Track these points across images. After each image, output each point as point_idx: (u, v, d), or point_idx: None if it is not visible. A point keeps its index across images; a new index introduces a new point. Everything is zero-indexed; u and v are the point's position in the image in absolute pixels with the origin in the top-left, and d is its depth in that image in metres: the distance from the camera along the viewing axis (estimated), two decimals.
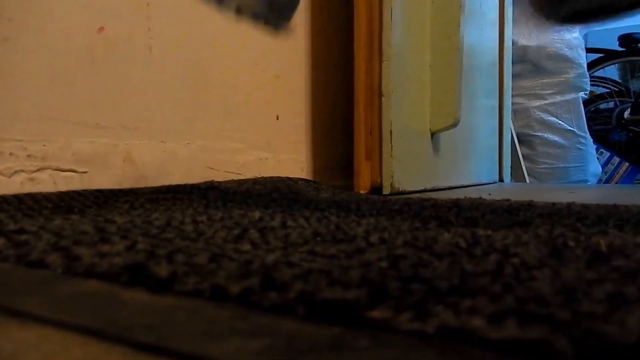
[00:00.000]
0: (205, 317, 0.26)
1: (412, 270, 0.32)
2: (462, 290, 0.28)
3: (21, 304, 0.28)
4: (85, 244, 0.38)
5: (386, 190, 1.10)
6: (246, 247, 0.39)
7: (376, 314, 0.25)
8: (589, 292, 0.25)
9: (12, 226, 0.45)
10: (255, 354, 0.22)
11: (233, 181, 0.94)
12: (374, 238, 0.42)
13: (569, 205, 0.69)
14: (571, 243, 0.41)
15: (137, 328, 0.24)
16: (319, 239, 0.43)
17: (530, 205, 0.68)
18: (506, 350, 0.21)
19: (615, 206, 0.66)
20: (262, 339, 0.23)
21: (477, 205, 0.67)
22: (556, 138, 2.09)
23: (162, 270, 0.31)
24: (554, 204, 0.71)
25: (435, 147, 1.30)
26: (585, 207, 0.65)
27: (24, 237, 0.41)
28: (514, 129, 2.02)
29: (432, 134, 1.28)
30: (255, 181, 0.94)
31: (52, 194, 0.65)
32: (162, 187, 0.81)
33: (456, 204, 0.69)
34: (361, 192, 1.14)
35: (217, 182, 0.90)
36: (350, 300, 0.26)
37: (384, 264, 0.33)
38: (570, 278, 0.29)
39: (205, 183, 0.87)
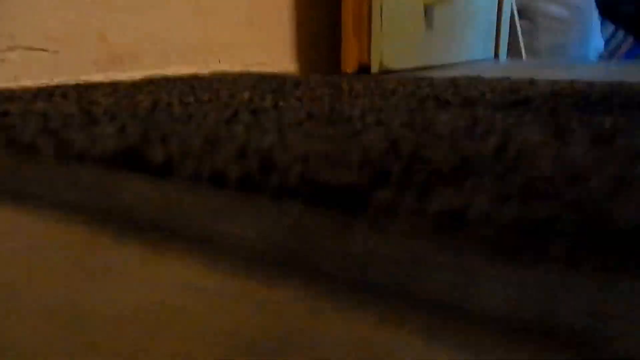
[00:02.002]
0: (208, 201, 0.26)
1: (412, 152, 0.31)
2: (464, 171, 0.27)
3: (22, 188, 0.28)
4: (74, 126, 0.37)
5: (374, 69, 1.07)
6: (239, 129, 0.38)
7: (380, 196, 0.25)
8: (597, 172, 0.25)
9: None
10: (261, 236, 0.22)
11: (217, 73, 0.91)
12: (370, 119, 0.42)
13: (572, 82, 0.67)
14: (574, 124, 0.40)
15: (140, 211, 0.24)
16: (313, 120, 0.42)
17: (531, 83, 0.66)
18: (510, 229, 0.22)
19: (621, 84, 0.64)
20: (266, 221, 0.23)
21: (476, 84, 0.65)
22: (560, 10, 1.99)
23: (158, 154, 0.30)
24: (556, 81, 0.69)
25: (429, 23, 1.25)
26: (590, 85, 0.64)
27: (9, 120, 0.39)
28: (515, 2, 1.92)
29: (426, 8, 1.22)
30: (240, 74, 0.91)
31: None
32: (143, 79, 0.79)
33: (453, 82, 0.67)
34: (348, 71, 1.10)
35: (201, 74, 0.88)
36: (353, 182, 0.26)
37: (382, 146, 0.33)
38: (574, 158, 0.29)
39: (189, 75, 0.84)
